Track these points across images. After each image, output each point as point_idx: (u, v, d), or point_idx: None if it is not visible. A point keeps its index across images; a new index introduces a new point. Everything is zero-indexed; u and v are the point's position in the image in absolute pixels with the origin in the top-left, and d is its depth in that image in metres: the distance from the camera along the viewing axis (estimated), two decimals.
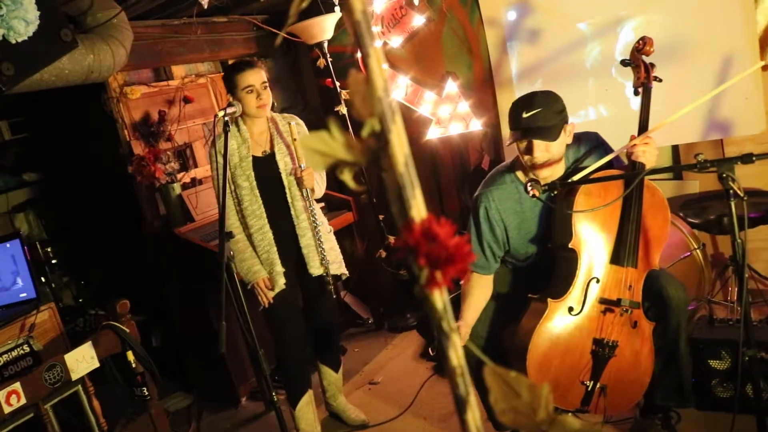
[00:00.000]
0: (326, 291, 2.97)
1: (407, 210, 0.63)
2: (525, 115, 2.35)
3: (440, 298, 0.64)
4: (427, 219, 0.63)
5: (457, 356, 0.67)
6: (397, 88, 4.28)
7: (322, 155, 0.64)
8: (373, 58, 0.62)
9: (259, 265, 2.87)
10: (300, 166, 2.82)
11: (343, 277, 3.14)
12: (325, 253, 2.92)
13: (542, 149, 2.37)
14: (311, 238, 2.90)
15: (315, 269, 2.93)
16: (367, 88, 0.62)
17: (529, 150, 2.39)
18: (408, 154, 0.63)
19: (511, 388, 0.68)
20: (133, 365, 2.50)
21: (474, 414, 0.67)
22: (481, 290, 2.58)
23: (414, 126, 4.28)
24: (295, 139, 2.81)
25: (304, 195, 2.86)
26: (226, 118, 2.61)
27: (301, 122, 3.00)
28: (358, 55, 4.22)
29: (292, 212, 2.88)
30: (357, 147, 0.64)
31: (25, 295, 3.20)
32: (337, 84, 4.06)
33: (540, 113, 2.34)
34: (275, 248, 2.87)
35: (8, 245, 3.23)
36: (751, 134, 3.31)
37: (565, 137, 2.42)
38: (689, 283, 3.07)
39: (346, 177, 0.67)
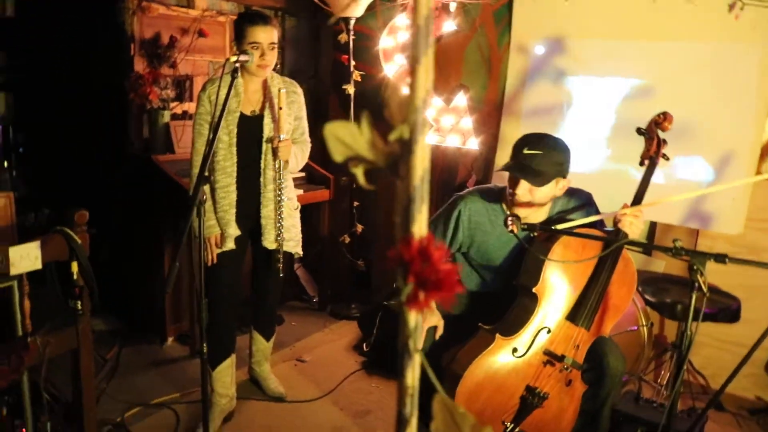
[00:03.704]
0: (274, 266, 2.93)
1: (410, 223, 0.63)
2: (525, 151, 2.38)
3: (414, 318, 0.64)
4: (425, 237, 0.63)
5: (413, 377, 0.67)
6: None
7: (345, 146, 0.64)
8: (423, 67, 0.61)
9: (215, 221, 2.80)
10: (279, 137, 2.76)
11: (296, 257, 3.12)
12: (283, 229, 2.87)
13: (525, 189, 2.40)
14: (272, 211, 2.85)
15: (269, 243, 2.88)
16: (407, 95, 0.61)
17: (513, 185, 2.42)
18: (427, 170, 0.63)
19: (450, 416, 0.68)
20: (75, 277, 2.45)
21: None
22: None
23: None
24: (281, 108, 2.74)
25: (277, 166, 2.81)
26: (237, 65, 2.55)
27: (299, 90, 2.94)
28: (380, 47, 4.19)
29: (261, 180, 2.83)
30: (380, 148, 0.64)
31: None
32: (352, 63, 4.03)
33: (539, 156, 2.36)
34: (234, 210, 2.81)
35: None
36: (728, 233, 3.38)
37: (555, 188, 2.44)
38: (628, 356, 3.12)
39: (358, 172, 0.66)
